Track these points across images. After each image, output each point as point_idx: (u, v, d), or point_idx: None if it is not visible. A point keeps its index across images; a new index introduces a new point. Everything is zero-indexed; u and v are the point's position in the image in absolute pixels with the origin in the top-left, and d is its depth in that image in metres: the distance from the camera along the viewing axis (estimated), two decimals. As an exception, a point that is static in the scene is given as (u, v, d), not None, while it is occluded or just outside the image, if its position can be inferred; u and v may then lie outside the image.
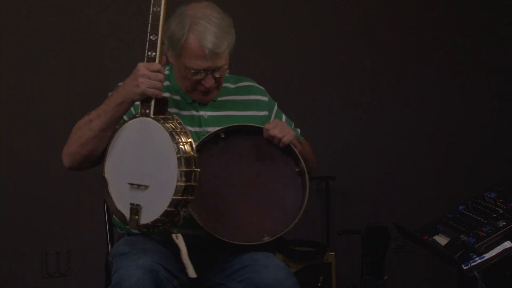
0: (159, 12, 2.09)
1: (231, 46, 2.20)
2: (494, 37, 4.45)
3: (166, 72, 2.32)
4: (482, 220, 2.51)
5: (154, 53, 2.09)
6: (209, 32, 2.13)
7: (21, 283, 3.57)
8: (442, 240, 2.52)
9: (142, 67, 2.05)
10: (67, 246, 3.64)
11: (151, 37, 2.09)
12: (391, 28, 4.27)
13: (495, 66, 4.44)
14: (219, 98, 2.33)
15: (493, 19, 4.43)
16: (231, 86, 2.39)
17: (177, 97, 2.29)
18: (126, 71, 2.16)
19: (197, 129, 2.27)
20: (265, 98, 2.41)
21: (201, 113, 2.29)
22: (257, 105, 2.38)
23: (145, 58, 2.10)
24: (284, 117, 2.46)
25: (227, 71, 2.26)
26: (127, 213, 2.09)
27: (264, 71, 3.88)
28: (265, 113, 2.39)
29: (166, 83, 2.30)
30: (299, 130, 2.50)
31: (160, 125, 2.04)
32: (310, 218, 4.08)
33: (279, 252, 3.43)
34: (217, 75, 2.20)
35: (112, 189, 2.13)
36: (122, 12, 3.64)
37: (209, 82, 2.19)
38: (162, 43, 2.10)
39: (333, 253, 3.59)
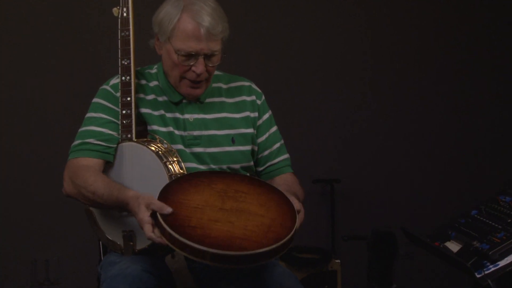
0: (128, 36, 2.19)
1: (225, 34, 2.21)
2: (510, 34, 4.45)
3: (154, 71, 2.34)
4: (496, 225, 2.48)
5: (128, 77, 2.19)
6: (205, 12, 2.16)
7: (8, 293, 3.59)
8: (453, 246, 2.50)
9: (148, 229, 1.95)
10: (57, 253, 3.66)
11: (123, 61, 2.19)
12: (397, 25, 4.28)
13: (509, 66, 4.43)
14: (208, 100, 2.33)
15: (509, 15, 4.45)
16: (223, 86, 2.39)
17: (164, 98, 2.29)
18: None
19: (182, 132, 2.27)
20: (258, 101, 2.40)
21: (186, 116, 2.28)
22: (244, 106, 2.38)
23: (119, 83, 2.20)
24: (274, 129, 2.45)
25: (219, 61, 2.24)
26: (120, 241, 2.16)
27: (265, 72, 3.94)
28: (255, 114, 2.39)
29: (154, 83, 2.32)
30: (288, 157, 2.47)
31: (145, 147, 2.14)
32: (314, 223, 4.09)
33: (282, 259, 3.41)
34: (209, 64, 2.20)
35: (100, 220, 2.22)
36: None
37: (200, 68, 2.18)
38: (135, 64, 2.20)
39: (338, 261, 3.58)
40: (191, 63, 2.19)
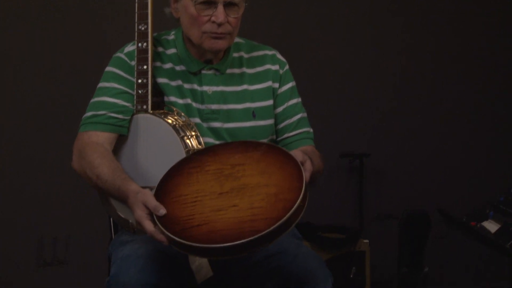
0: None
1: None
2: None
3: (172, 37, 2.35)
4: (539, 203, 2.47)
5: (145, 44, 2.20)
6: None
7: (13, 273, 3.61)
8: (491, 226, 2.51)
9: (148, 225, 1.93)
10: (65, 231, 3.67)
11: (140, 27, 2.20)
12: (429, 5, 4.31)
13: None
14: (228, 70, 2.34)
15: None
16: (245, 55, 2.39)
17: (181, 67, 2.30)
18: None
19: (200, 105, 2.28)
20: (280, 70, 2.40)
21: (205, 88, 2.29)
22: (267, 75, 2.38)
23: (135, 50, 2.21)
24: (295, 100, 2.44)
25: (241, 12, 2.25)
26: (132, 219, 2.15)
27: (290, 40, 3.95)
28: (276, 85, 2.39)
29: (171, 50, 2.33)
30: (310, 130, 2.46)
31: (161, 120, 2.15)
32: (341, 201, 4.11)
33: (306, 239, 3.39)
34: (231, 15, 2.20)
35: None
36: (122, 12, 3.63)
37: (221, 16, 2.18)
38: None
39: (367, 241, 3.58)
40: (210, 13, 2.19)
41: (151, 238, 1.94)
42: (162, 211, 1.88)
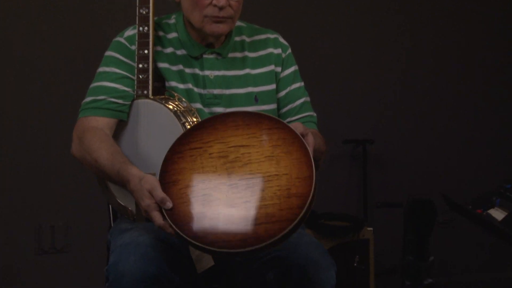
0: None
1: None
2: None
3: (172, 21, 2.35)
4: (546, 190, 2.46)
5: (146, 28, 2.20)
6: None
7: (11, 261, 3.61)
8: (498, 214, 2.50)
9: (157, 217, 1.91)
10: (63, 218, 3.67)
11: (141, 10, 2.19)
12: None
13: None
14: (230, 54, 2.33)
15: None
16: (247, 39, 2.38)
17: (182, 52, 2.29)
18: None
19: (201, 90, 2.28)
20: (283, 54, 2.40)
21: (206, 72, 2.28)
22: (270, 59, 2.37)
23: (136, 34, 2.20)
24: (298, 84, 2.43)
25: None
26: (132, 206, 2.16)
27: (292, 23, 3.92)
28: (278, 69, 2.38)
29: (172, 34, 2.32)
30: (313, 114, 2.46)
31: (162, 105, 2.14)
32: (344, 188, 4.08)
33: (308, 227, 3.38)
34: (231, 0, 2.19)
35: (112, 184, 2.20)
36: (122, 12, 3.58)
37: (222, 0, 2.17)
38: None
39: (371, 229, 3.56)
40: None
41: (151, 226, 1.95)
42: (169, 204, 1.87)
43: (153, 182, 1.91)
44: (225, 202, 1.88)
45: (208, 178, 1.92)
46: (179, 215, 1.86)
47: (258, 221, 1.83)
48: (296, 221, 1.81)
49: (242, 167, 1.93)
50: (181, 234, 1.84)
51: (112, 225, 2.39)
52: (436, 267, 2.87)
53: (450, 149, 4.31)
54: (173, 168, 1.95)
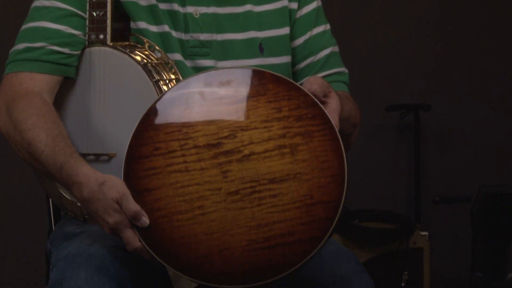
0: None
1: None
2: None
3: None
4: None
5: (102, 36, 1.98)
6: None
7: None
8: None
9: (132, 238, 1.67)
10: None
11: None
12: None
13: None
14: None
15: None
16: None
17: None
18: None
19: (182, 35, 1.99)
20: None
21: (189, 9, 1.98)
22: None
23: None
24: (322, 28, 2.15)
25: None
26: None
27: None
28: (293, 5, 2.09)
29: None
30: (344, 71, 2.20)
31: (126, 55, 1.89)
32: (387, 174, 3.80)
33: (336, 231, 3.18)
34: None
35: None
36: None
37: None
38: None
39: (426, 233, 3.29)
40: None
41: (105, 234, 1.71)
42: (146, 220, 1.63)
43: (121, 188, 1.65)
44: (224, 221, 1.63)
45: (195, 181, 1.67)
46: (157, 236, 1.63)
47: (271, 242, 1.59)
48: (324, 239, 1.58)
49: (241, 163, 1.65)
50: (165, 264, 1.62)
51: (53, 228, 2.17)
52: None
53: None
54: (144, 164, 1.68)
